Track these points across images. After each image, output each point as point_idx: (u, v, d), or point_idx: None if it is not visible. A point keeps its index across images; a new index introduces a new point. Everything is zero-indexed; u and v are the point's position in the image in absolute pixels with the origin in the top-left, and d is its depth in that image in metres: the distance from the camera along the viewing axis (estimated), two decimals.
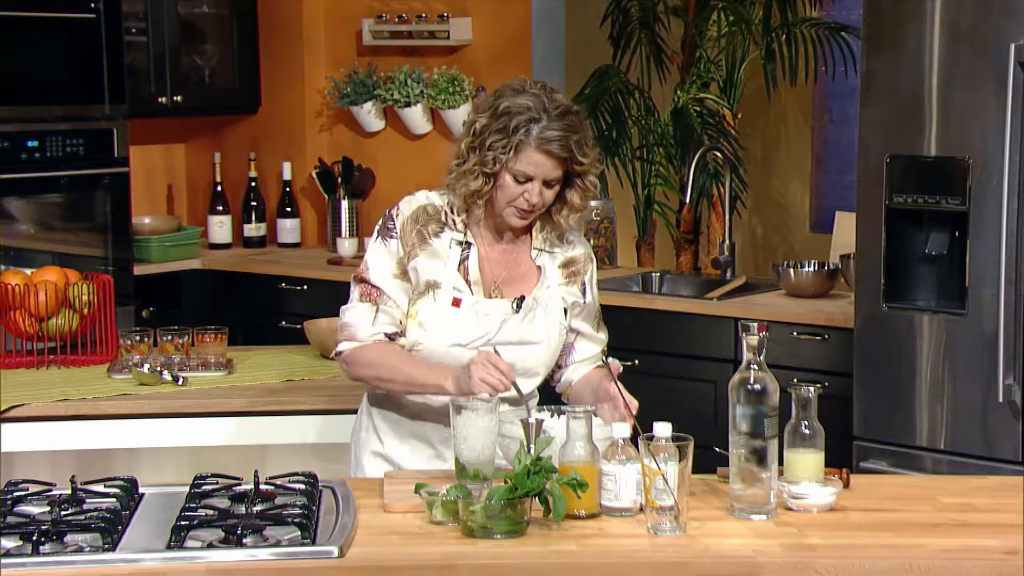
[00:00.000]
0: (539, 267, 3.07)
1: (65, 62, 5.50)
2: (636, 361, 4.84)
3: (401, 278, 3.01)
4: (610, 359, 3.06)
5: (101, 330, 4.11)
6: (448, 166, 3.01)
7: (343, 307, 3.07)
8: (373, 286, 3.01)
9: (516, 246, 3.07)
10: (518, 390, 2.89)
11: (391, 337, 3.01)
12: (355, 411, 3.25)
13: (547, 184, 2.95)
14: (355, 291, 3.05)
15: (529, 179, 2.93)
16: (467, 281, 3.00)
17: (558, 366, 3.13)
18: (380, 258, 3.02)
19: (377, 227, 3.06)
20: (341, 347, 3.05)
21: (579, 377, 3.13)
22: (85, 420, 3.66)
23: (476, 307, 2.99)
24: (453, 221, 3.02)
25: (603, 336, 3.18)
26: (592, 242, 5.46)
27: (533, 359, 3.03)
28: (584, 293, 3.11)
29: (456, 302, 2.98)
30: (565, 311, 3.07)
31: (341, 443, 3.62)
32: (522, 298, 3.02)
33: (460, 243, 3.02)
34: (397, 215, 3.03)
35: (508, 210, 2.97)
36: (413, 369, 2.96)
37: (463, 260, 3.01)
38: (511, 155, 2.90)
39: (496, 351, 2.88)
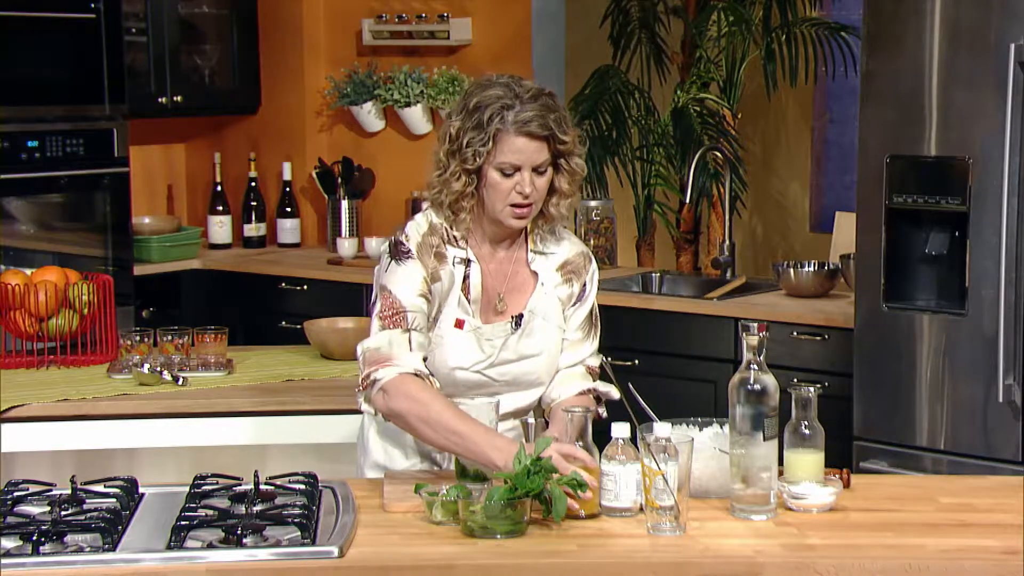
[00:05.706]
0: (534, 272, 2.99)
1: (65, 62, 5.49)
2: (636, 361, 4.84)
3: (427, 296, 2.89)
4: (598, 386, 3.01)
5: (101, 330, 4.10)
6: (429, 183, 2.92)
7: (362, 343, 2.88)
8: (397, 312, 2.85)
9: (513, 254, 2.99)
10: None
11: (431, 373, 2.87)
12: (355, 411, 3.24)
13: (536, 172, 2.86)
14: (375, 324, 2.86)
15: (516, 169, 2.84)
16: (468, 299, 2.92)
17: None
18: (402, 281, 2.87)
19: (386, 257, 2.91)
20: (380, 374, 2.82)
21: (561, 398, 3.01)
22: (85, 420, 3.65)
23: (477, 332, 2.93)
24: (453, 238, 2.93)
25: (588, 347, 3.04)
26: (592, 242, 5.48)
27: (535, 372, 2.99)
28: (583, 289, 3.02)
29: (459, 323, 2.92)
30: (564, 312, 3.02)
31: (341, 443, 3.62)
32: (520, 316, 2.96)
33: (462, 260, 2.93)
34: (407, 239, 2.90)
35: (505, 211, 2.88)
36: (461, 424, 2.75)
37: (465, 277, 2.93)
38: (490, 146, 2.82)
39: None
